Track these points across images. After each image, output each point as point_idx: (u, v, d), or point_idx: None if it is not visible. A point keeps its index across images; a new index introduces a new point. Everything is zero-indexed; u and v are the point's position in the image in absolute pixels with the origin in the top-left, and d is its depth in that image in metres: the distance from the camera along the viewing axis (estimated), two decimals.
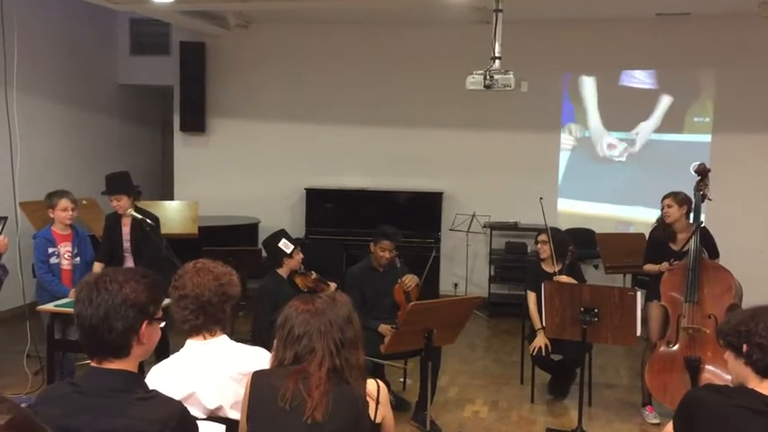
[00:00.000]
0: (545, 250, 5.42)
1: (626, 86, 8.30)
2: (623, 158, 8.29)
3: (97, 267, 5.35)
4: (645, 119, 8.24)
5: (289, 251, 4.79)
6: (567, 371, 5.45)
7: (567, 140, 8.49)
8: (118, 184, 5.38)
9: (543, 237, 5.45)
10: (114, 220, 5.49)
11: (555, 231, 5.58)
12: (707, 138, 8.06)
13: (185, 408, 2.02)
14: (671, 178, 7.41)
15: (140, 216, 5.26)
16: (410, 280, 5.20)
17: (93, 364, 1.99)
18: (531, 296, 5.46)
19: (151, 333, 2.01)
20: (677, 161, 7.76)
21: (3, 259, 4.29)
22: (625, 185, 8.29)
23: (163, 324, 2.08)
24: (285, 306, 2.37)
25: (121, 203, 5.31)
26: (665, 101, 8.18)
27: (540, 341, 5.24)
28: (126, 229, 5.46)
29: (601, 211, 8.41)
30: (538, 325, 5.31)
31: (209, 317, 2.52)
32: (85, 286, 1.98)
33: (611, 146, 8.34)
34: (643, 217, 7.93)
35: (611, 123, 8.35)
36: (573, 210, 8.47)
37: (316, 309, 2.29)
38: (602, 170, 8.40)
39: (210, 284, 2.52)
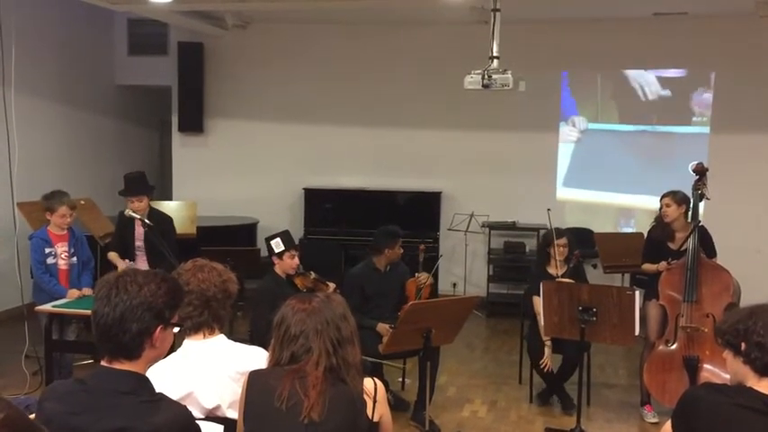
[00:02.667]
0: (562, 252, 5.35)
1: (623, 84, 8.32)
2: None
3: (113, 256, 5.53)
4: (643, 115, 8.28)
5: (277, 251, 4.75)
6: (565, 375, 5.42)
7: (571, 132, 8.51)
8: (139, 185, 5.45)
9: (563, 240, 5.37)
10: (127, 218, 5.50)
11: (570, 234, 5.57)
12: (705, 129, 8.09)
13: (190, 413, 2.01)
14: (672, 168, 7.65)
15: (138, 216, 5.27)
16: (425, 278, 5.28)
17: (103, 363, 1.99)
18: (537, 301, 5.15)
19: (165, 338, 2.01)
20: (677, 152, 7.96)
21: None
22: (628, 175, 8.32)
23: (177, 330, 2.08)
24: (282, 305, 2.36)
25: (142, 204, 5.37)
26: (663, 100, 8.20)
27: (549, 359, 5.17)
28: (140, 229, 5.50)
29: (605, 200, 8.47)
30: (547, 336, 5.12)
31: (212, 313, 2.54)
32: (105, 285, 1.98)
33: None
34: (647, 205, 8.00)
35: (609, 116, 8.40)
36: (577, 199, 8.53)
37: (312, 308, 2.28)
38: (606, 160, 8.44)
39: (215, 280, 2.55)
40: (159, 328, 1.97)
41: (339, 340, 2.24)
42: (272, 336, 2.34)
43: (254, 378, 2.27)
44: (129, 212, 5.31)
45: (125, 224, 5.56)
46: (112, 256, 5.54)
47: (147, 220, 5.26)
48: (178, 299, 2.06)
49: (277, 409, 2.17)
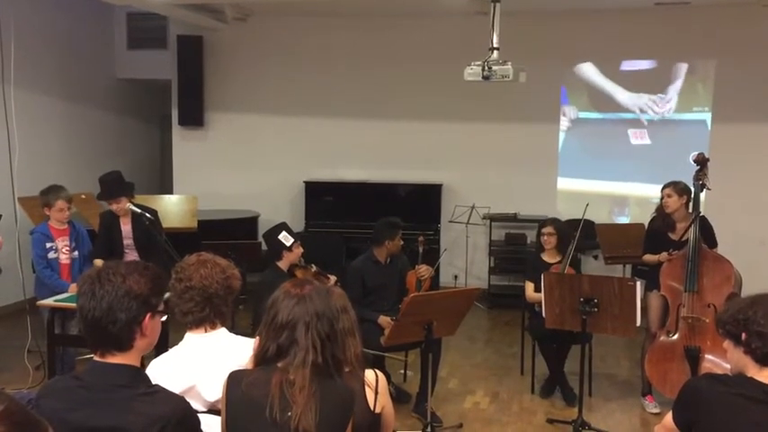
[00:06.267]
0: (548, 241, 5.45)
1: (624, 75, 8.29)
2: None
3: (99, 263, 5.33)
4: (642, 105, 8.26)
5: (288, 244, 4.81)
6: (563, 353, 5.43)
7: (561, 122, 8.50)
8: (116, 187, 5.32)
9: (548, 229, 5.47)
10: (111, 218, 5.46)
11: (559, 223, 5.63)
12: (706, 116, 8.06)
13: (188, 403, 2.01)
14: (667, 157, 7.70)
15: (140, 210, 5.26)
16: (425, 270, 5.29)
17: (96, 358, 1.98)
18: (530, 285, 5.48)
19: (154, 326, 2.01)
20: (676, 141, 8.02)
21: None
22: (621, 163, 8.33)
23: (165, 317, 2.07)
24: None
25: (121, 205, 5.29)
26: (664, 91, 8.18)
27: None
28: (126, 228, 5.44)
29: (598, 188, 8.45)
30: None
31: (214, 309, 2.53)
32: (87, 279, 1.97)
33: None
34: (640, 193, 8.13)
35: (607, 106, 8.38)
36: (571, 189, 8.51)
37: (303, 294, 2.16)
38: (597, 149, 8.43)
39: (218, 276, 2.53)
40: (148, 316, 1.97)
41: (330, 335, 2.11)
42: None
43: (235, 382, 2.11)
44: (129, 206, 5.29)
45: (110, 224, 5.45)
46: (99, 263, 5.36)
47: (148, 214, 5.25)
48: (163, 285, 2.06)
49: (268, 421, 2.03)
